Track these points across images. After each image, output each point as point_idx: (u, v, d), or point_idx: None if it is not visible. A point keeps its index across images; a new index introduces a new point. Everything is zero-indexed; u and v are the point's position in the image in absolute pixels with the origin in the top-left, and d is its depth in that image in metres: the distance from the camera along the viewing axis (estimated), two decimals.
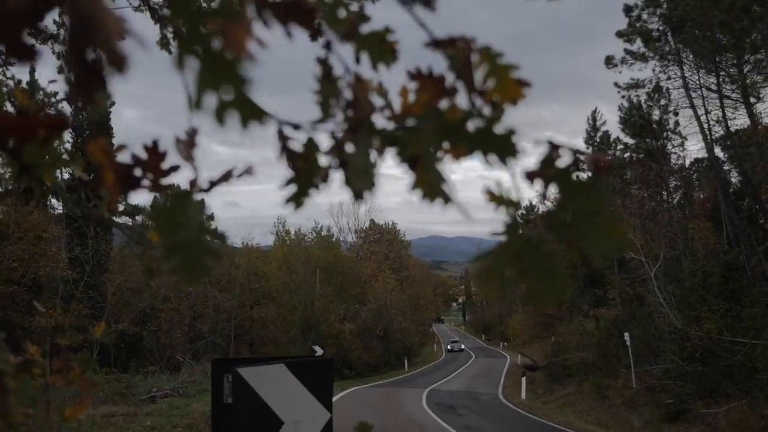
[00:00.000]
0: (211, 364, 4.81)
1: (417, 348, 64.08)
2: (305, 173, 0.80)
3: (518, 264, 0.84)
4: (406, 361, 52.40)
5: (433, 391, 32.93)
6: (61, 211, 29.30)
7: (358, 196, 0.76)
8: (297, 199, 0.81)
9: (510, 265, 0.84)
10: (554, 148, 0.77)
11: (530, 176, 0.81)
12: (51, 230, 24.20)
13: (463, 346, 72.37)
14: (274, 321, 40.44)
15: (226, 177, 0.91)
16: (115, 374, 20.49)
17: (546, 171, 0.79)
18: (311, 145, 0.80)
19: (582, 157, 0.76)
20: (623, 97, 30.16)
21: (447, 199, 0.76)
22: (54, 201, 30.22)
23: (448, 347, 72.19)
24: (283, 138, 0.80)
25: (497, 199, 0.84)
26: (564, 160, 0.77)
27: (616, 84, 28.74)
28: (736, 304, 20.42)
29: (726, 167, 28.16)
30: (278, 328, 40.57)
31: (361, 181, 0.74)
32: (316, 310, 44.17)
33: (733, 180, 28.30)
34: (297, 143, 0.80)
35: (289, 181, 0.81)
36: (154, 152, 0.90)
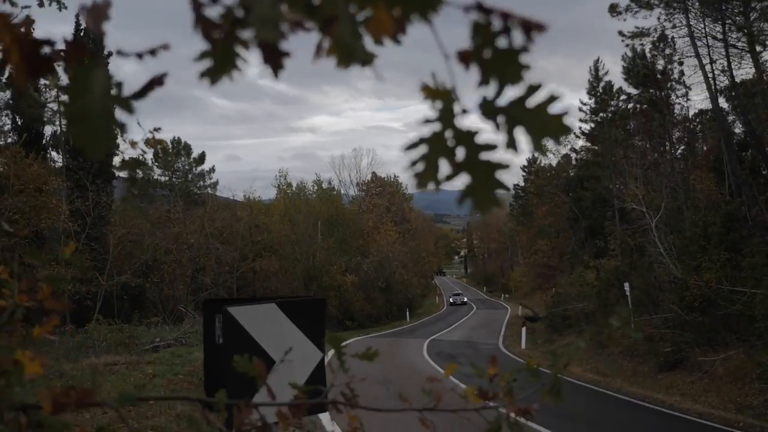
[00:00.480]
0: (203, 305, 4.81)
1: (419, 300, 64.51)
2: (222, 46, 0.75)
3: (454, 156, 0.80)
4: (407, 313, 52.79)
5: (434, 342, 33.30)
6: (61, 164, 29.30)
7: (264, 51, 0.72)
8: (212, 74, 0.76)
9: (445, 155, 0.80)
10: (485, 12, 0.72)
11: (463, 57, 0.76)
12: (51, 182, 24.15)
13: (465, 299, 70.40)
14: (276, 273, 40.74)
15: (160, 80, 0.86)
16: (119, 325, 20.68)
17: (476, 42, 0.73)
18: (229, 16, 0.75)
19: (512, 22, 0.71)
20: (627, 46, 29.78)
21: (365, 61, 0.71)
22: (54, 153, 30.24)
23: (450, 300, 70.62)
24: (197, 6, 0.75)
25: (433, 92, 0.79)
26: (494, 26, 0.72)
27: (620, 32, 28.29)
28: (736, 253, 20.44)
29: (730, 118, 27.90)
30: (280, 280, 40.88)
31: (266, 30, 0.69)
32: (317, 262, 44.48)
33: (737, 131, 28.06)
34: (213, 12, 0.76)
35: (204, 54, 0.76)
36: (73, 42, 0.86)
